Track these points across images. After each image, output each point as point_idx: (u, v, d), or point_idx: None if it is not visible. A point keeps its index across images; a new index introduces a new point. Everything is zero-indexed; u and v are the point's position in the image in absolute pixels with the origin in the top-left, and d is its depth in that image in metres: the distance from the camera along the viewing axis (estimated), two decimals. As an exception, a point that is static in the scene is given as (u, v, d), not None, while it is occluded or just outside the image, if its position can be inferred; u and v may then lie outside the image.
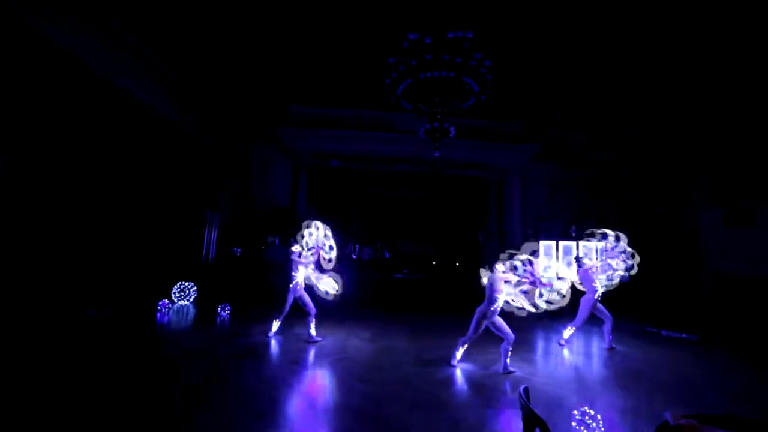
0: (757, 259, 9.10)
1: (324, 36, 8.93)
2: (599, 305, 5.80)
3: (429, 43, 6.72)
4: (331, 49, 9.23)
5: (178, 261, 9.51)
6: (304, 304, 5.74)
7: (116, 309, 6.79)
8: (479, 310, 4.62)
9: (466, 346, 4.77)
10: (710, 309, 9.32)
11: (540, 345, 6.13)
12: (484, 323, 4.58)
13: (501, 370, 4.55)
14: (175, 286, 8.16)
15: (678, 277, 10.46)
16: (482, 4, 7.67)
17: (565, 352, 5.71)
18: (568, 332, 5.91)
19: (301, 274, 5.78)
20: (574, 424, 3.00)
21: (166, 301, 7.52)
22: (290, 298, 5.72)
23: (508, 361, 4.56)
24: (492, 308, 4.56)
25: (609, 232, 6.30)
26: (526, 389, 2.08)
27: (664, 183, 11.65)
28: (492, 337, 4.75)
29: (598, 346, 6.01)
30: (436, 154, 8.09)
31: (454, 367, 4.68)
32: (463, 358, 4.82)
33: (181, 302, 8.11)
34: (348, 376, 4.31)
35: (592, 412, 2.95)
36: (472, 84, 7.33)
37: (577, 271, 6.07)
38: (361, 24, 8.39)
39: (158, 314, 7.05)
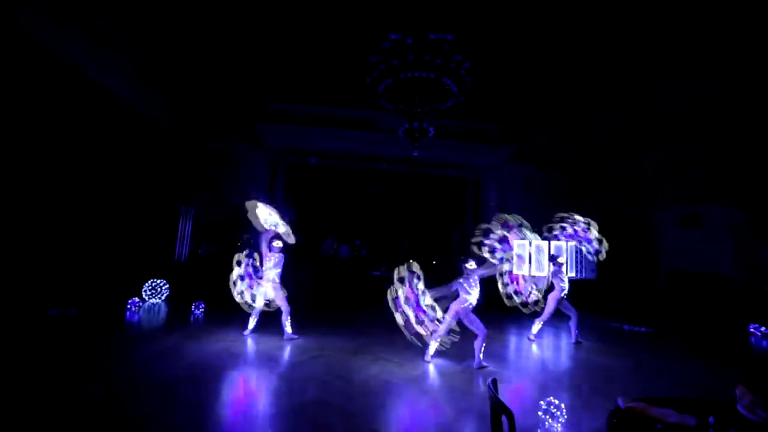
0: (703, 256, 9.90)
1: (305, 32, 8.85)
2: (565, 302, 6.10)
3: (410, 43, 6.81)
4: (312, 45, 9.15)
5: (149, 257, 9.19)
6: (282, 302, 5.68)
7: (81, 307, 6.50)
8: (453, 305, 4.73)
9: (438, 341, 4.84)
10: (665, 304, 10.01)
11: (511, 340, 6.36)
12: (459, 319, 4.71)
13: (474, 365, 4.69)
14: (146, 284, 7.89)
15: (639, 276, 11.12)
16: (464, 9, 7.84)
17: (534, 347, 5.96)
18: (536, 327, 6.17)
19: (269, 265, 5.69)
20: (540, 413, 3.18)
21: (137, 299, 7.27)
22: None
23: (481, 356, 4.70)
24: (466, 304, 4.70)
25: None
26: (494, 381, 2.19)
27: (628, 186, 12.31)
28: (464, 332, 4.89)
29: (565, 341, 6.30)
30: (415, 154, 8.21)
31: (428, 362, 4.77)
32: (437, 354, 4.93)
33: (153, 300, 7.86)
34: (323, 373, 4.34)
35: (557, 402, 3.13)
36: (451, 85, 7.49)
37: (553, 269, 6.28)
38: (343, 22, 8.37)
39: (127, 313, 6.81)
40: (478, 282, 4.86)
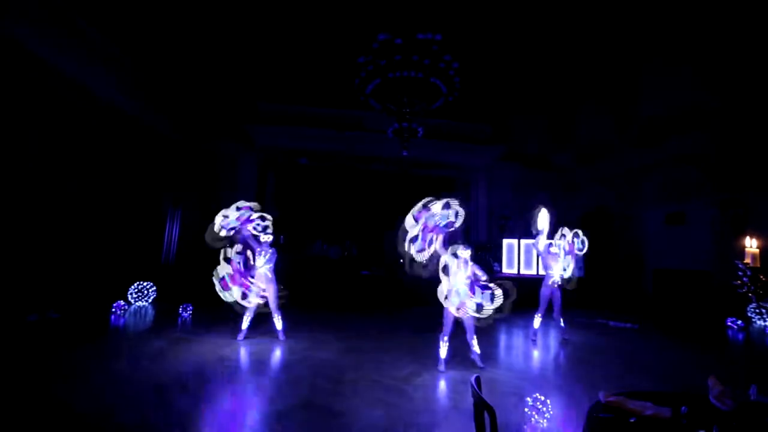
0: (687, 253, 10.17)
1: (294, 33, 8.81)
2: (556, 293, 5.97)
3: (399, 43, 6.84)
4: (301, 45, 9.13)
5: (136, 259, 9.04)
6: (272, 299, 5.54)
7: (63, 311, 6.36)
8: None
9: (446, 340, 4.58)
10: (651, 301, 10.25)
11: (501, 338, 6.45)
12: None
13: (474, 358, 4.64)
14: (132, 286, 7.75)
15: (626, 273, 11.37)
16: (453, 9, 7.91)
17: (521, 343, 6.05)
18: (537, 321, 6.09)
19: (261, 262, 5.50)
20: (526, 409, 3.24)
21: (122, 302, 7.13)
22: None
23: (476, 349, 4.66)
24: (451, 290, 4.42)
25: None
26: (477, 378, 2.22)
27: (616, 185, 12.57)
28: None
29: (553, 337, 6.41)
30: (404, 154, 8.24)
31: (442, 372, 4.49)
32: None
33: (139, 303, 7.73)
34: (313, 373, 4.33)
35: (541, 397, 3.19)
36: (440, 85, 7.54)
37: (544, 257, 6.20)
38: (332, 22, 8.36)
39: (112, 316, 6.69)
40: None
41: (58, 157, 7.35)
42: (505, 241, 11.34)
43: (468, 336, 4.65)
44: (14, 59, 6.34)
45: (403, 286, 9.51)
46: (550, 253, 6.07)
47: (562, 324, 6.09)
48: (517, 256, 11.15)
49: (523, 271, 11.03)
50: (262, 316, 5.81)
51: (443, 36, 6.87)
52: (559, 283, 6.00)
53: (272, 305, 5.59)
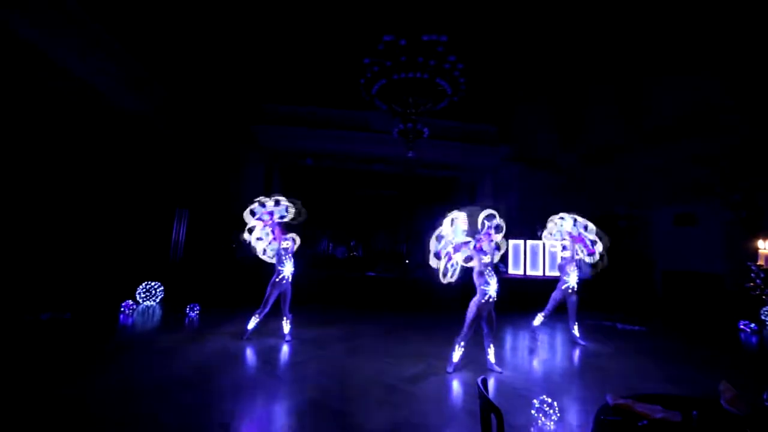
0: (697, 255, 9.99)
1: (299, 34, 8.86)
2: (570, 298, 5.94)
3: (404, 44, 6.82)
4: (307, 47, 9.16)
5: (144, 259, 9.14)
6: (286, 303, 5.60)
7: (74, 311, 6.45)
8: (472, 303, 4.46)
9: (462, 345, 4.50)
10: (660, 303, 10.09)
11: (506, 339, 6.40)
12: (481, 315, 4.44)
13: (490, 367, 4.59)
14: (141, 286, 7.84)
15: (634, 275, 11.21)
16: (458, 10, 7.88)
17: (528, 344, 6.00)
18: (538, 319, 6.03)
19: (288, 268, 5.60)
20: (533, 412, 3.21)
21: (130, 301, 7.21)
22: (274, 294, 5.51)
23: (490, 357, 4.63)
24: (486, 297, 4.39)
25: (566, 215, 6.25)
26: (483, 380, 2.20)
27: (623, 186, 12.41)
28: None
29: (560, 339, 6.34)
30: (410, 154, 8.22)
31: (450, 373, 4.46)
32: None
33: (147, 303, 7.81)
34: (319, 374, 4.34)
35: (548, 399, 3.16)
36: (445, 86, 7.51)
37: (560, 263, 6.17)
38: (338, 23, 8.38)
39: (121, 316, 6.77)
40: (493, 272, 4.50)
41: (69, 158, 7.48)
42: (511, 242, 11.25)
43: (486, 342, 4.63)
44: (29, 62, 6.45)
45: (409, 287, 9.49)
46: (565, 258, 6.05)
47: (576, 332, 5.97)
48: (523, 257, 11.07)
49: (529, 272, 10.95)
50: (268, 318, 5.83)
51: (449, 36, 6.84)
52: (575, 288, 5.96)
53: (285, 308, 5.64)
